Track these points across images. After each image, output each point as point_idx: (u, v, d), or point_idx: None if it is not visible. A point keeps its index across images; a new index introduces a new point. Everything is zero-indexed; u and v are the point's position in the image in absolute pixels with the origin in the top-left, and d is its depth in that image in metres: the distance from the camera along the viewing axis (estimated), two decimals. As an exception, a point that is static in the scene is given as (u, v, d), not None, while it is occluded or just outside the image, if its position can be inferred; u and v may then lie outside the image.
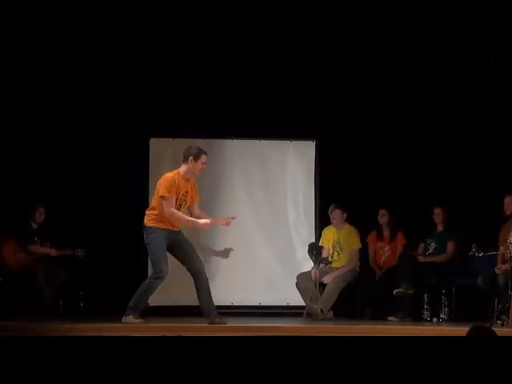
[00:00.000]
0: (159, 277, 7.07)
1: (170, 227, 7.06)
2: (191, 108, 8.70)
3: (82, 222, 8.60)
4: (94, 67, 8.63)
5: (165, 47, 8.64)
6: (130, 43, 8.56)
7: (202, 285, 7.09)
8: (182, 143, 8.86)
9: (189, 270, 7.15)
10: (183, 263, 7.20)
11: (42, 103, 8.52)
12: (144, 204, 8.63)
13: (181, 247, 7.15)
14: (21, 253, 8.21)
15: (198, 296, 7.15)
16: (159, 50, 8.66)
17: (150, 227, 7.07)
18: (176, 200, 7.02)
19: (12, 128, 8.45)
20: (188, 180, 7.13)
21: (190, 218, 7.12)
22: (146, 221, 7.14)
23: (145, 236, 7.13)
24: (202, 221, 7.11)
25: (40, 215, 8.34)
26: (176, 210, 6.99)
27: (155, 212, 7.08)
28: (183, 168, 7.11)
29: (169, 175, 7.09)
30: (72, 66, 8.49)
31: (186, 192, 7.11)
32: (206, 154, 7.13)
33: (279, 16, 8.38)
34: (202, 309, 7.16)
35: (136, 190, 8.64)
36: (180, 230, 7.16)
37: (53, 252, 8.30)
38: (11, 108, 8.44)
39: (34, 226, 8.37)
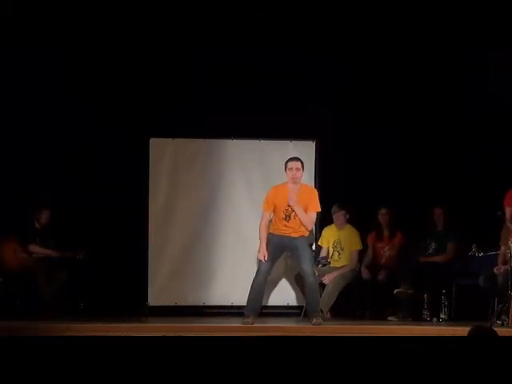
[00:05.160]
0: (256, 274, 7.37)
1: (284, 234, 7.37)
2: (191, 108, 8.69)
3: (82, 223, 8.59)
4: (94, 67, 8.62)
5: (165, 47, 8.63)
6: (130, 43, 8.55)
7: (306, 287, 7.41)
8: (182, 143, 8.90)
9: (301, 273, 7.48)
10: (297, 267, 7.60)
11: (43, 104, 8.50)
12: (144, 204, 8.65)
13: (293, 253, 7.50)
14: (21, 252, 8.20)
15: (304, 297, 7.77)
16: (159, 49, 8.65)
17: (268, 233, 7.41)
18: (281, 211, 7.34)
19: (15, 131, 8.45)
20: (295, 190, 7.34)
21: (262, 237, 7.39)
22: None
23: None
24: (261, 253, 7.36)
25: (45, 217, 8.32)
26: (264, 224, 7.38)
27: (271, 220, 7.49)
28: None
29: (272, 187, 7.51)
30: (72, 66, 8.48)
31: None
32: (290, 160, 7.42)
33: (279, 16, 8.37)
34: (306, 309, 7.55)
35: (136, 189, 8.64)
36: (300, 237, 7.38)
37: (53, 254, 8.28)
38: (12, 111, 8.44)
39: (38, 226, 8.35)
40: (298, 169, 7.35)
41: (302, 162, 7.42)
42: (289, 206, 7.33)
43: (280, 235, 7.41)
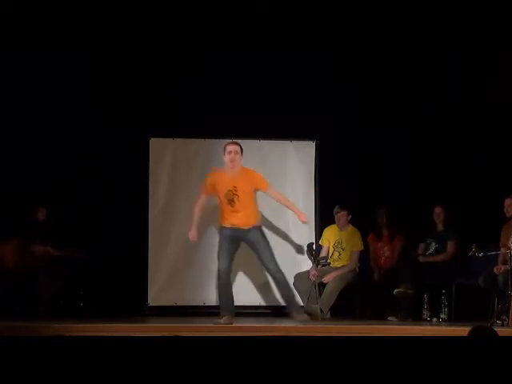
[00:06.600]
0: (218, 274, 7.26)
1: (234, 225, 7.23)
2: (191, 108, 8.69)
3: (82, 222, 8.58)
4: (94, 67, 8.62)
5: (165, 47, 8.63)
6: (130, 43, 8.56)
7: (276, 285, 7.39)
8: (182, 143, 8.90)
9: (265, 271, 7.43)
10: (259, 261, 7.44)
11: (43, 104, 8.50)
12: (144, 204, 8.65)
13: (252, 248, 7.35)
14: (22, 252, 8.20)
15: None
16: (159, 50, 8.65)
17: (220, 226, 7.34)
18: (223, 197, 7.21)
19: (16, 131, 8.45)
20: (234, 174, 7.23)
21: (193, 217, 7.35)
22: None
23: None
24: (191, 234, 7.35)
25: (42, 215, 8.31)
26: (197, 205, 7.36)
27: (219, 211, 7.34)
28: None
29: (211, 172, 7.46)
30: (72, 66, 8.48)
31: (235, 187, 7.20)
32: (229, 144, 7.29)
33: (279, 16, 8.38)
34: (286, 308, 7.59)
35: (136, 189, 8.63)
36: (253, 228, 7.26)
37: (54, 253, 8.27)
38: (12, 111, 8.44)
39: (38, 226, 8.34)
40: (236, 152, 7.23)
41: (241, 147, 7.30)
42: (230, 190, 7.20)
43: (231, 228, 7.25)
